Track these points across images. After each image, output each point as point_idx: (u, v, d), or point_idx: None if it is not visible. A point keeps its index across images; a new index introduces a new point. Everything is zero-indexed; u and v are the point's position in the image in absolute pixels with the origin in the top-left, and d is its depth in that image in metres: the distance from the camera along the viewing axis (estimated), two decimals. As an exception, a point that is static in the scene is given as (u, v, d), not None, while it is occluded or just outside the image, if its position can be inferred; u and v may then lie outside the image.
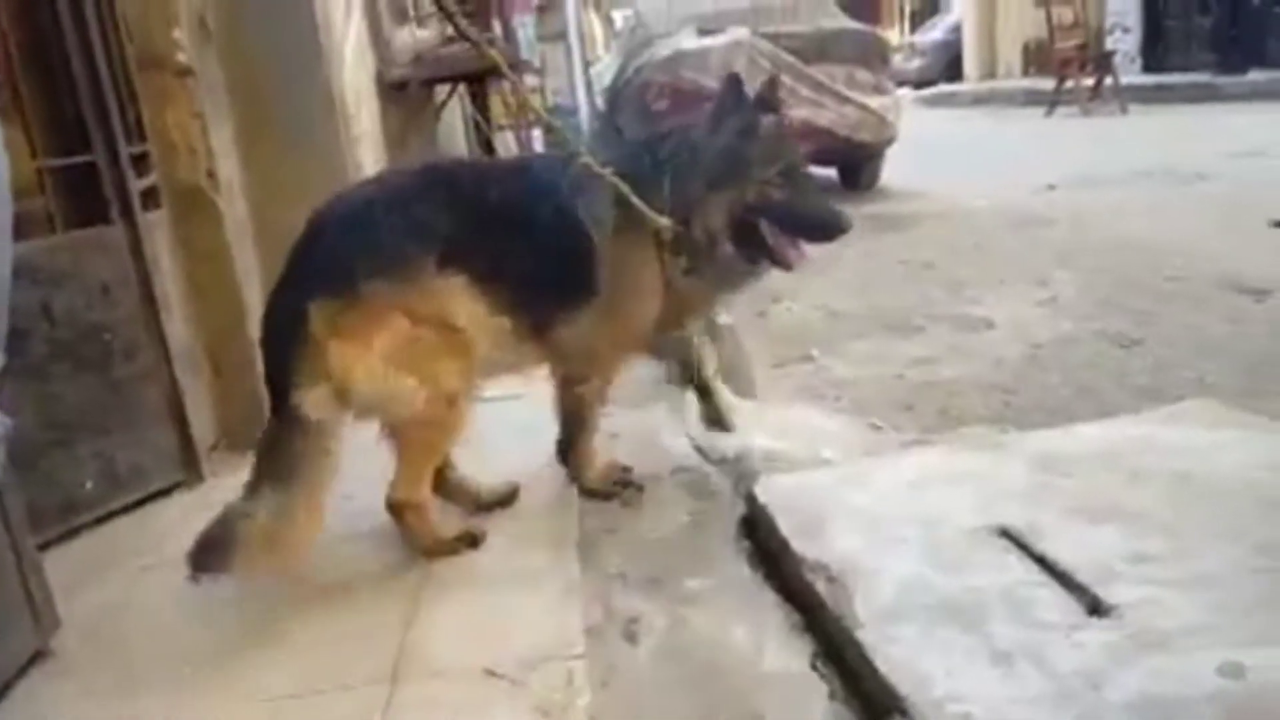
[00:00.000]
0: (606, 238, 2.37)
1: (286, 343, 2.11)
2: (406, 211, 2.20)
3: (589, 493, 2.62)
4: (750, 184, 2.38)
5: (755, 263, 2.50)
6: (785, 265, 2.46)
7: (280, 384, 2.13)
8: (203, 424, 3.02)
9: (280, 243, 3.24)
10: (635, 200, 2.35)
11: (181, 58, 2.86)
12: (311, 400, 2.08)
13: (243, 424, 3.12)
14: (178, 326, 2.93)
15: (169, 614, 2.21)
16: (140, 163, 2.87)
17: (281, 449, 2.11)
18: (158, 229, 2.91)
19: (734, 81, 2.44)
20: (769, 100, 2.48)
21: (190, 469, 2.94)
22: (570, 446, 2.65)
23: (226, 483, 2.91)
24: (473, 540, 2.32)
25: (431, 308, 2.16)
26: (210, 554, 2.03)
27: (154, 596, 2.30)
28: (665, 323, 2.56)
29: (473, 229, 2.23)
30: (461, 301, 2.20)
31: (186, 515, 2.75)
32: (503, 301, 2.27)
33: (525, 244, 2.29)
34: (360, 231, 2.18)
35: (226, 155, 3.09)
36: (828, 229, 2.42)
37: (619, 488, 2.64)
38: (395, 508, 2.30)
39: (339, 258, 2.15)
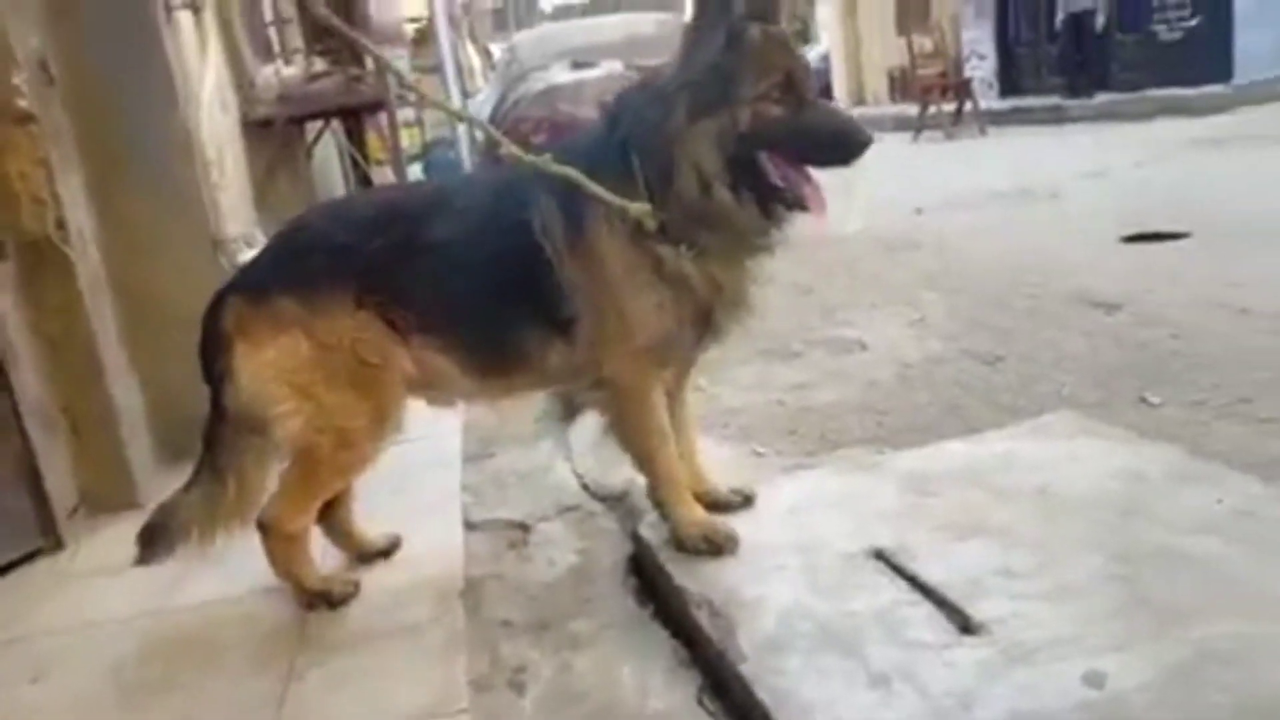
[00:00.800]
0: (563, 249, 2.08)
1: (208, 334, 2.19)
2: (335, 241, 2.15)
3: (679, 544, 2.26)
4: (741, 105, 1.96)
5: (767, 211, 2.08)
6: (800, 204, 2.05)
7: (208, 374, 2.20)
8: (61, 486, 2.86)
9: (139, 292, 3.14)
10: (591, 186, 2.01)
11: (21, 104, 2.72)
12: (227, 392, 2.15)
13: (105, 484, 2.98)
14: (29, 383, 2.77)
15: (30, 691, 2.09)
16: (-18, 214, 2.72)
17: (212, 438, 2.22)
18: (3, 282, 2.75)
19: None
20: (761, 6, 2.02)
21: (48, 535, 2.78)
22: (649, 485, 2.33)
23: (90, 548, 2.78)
24: (330, 601, 2.23)
25: (337, 339, 2.11)
26: (152, 544, 2.21)
27: (13, 672, 2.17)
28: (697, 322, 2.16)
29: (404, 267, 2.11)
30: (378, 339, 2.13)
31: (46, 585, 2.61)
32: (441, 342, 2.17)
33: (468, 281, 2.13)
34: (292, 249, 2.23)
35: (77, 205, 2.94)
36: (842, 146, 2.00)
37: (719, 536, 2.24)
38: (263, 527, 2.22)
39: (267, 265, 2.23)
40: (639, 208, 2.03)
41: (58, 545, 2.79)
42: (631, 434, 2.27)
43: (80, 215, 2.95)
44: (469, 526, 2.67)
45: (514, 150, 2.19)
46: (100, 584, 2.54)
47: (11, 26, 2.73)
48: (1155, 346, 3.63)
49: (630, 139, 2.07)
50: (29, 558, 2.73)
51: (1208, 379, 3.22)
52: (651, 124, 2.03)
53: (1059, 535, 2.11)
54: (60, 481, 2.85)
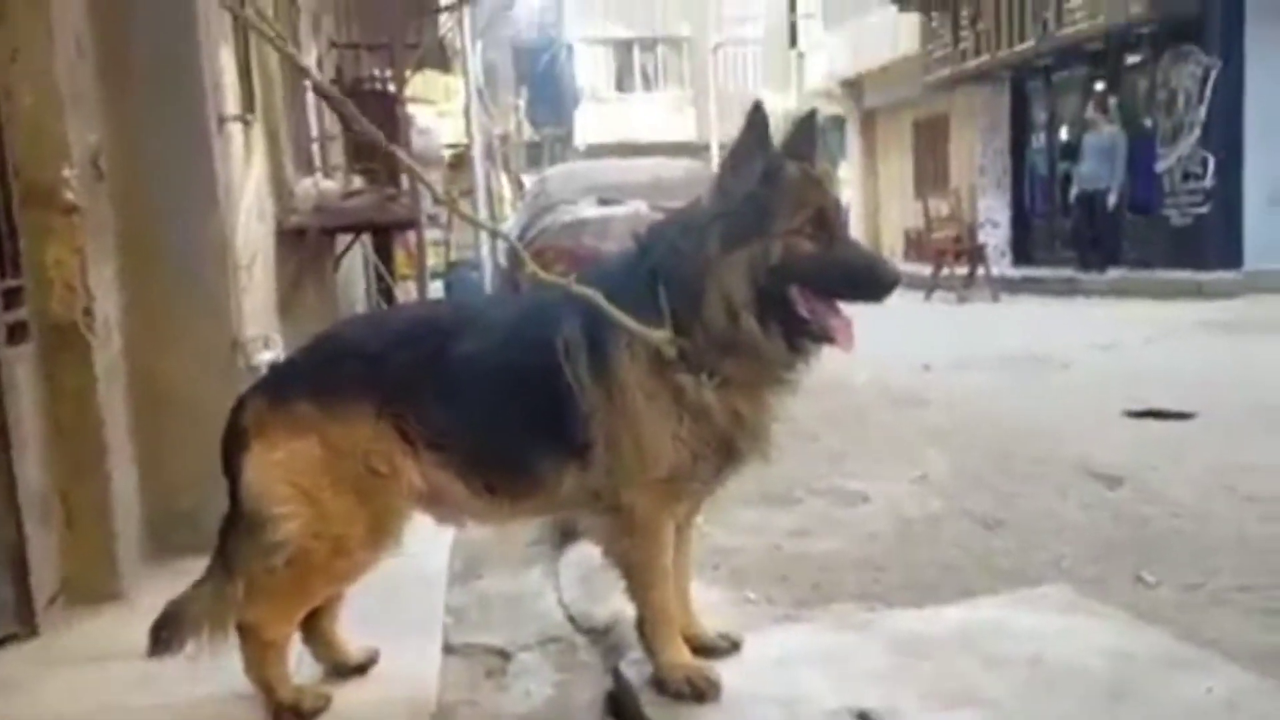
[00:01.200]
0: (585, 374, 2.08)
1: (230, 432, 2.21)
2: (364, 351, 2.19)
3: (660, 685, 2.20)
4: (774, 238, 2.00)
5: (794, 345, 2.10)
6: (827, 335, 2.08)
7: (227, 471, 2.21)
8: (46, 573, 2.83)
9: (153, 384, 3.20)
10: (613, 313, 2.03)
11: (68, 195, 2.84)
12: (240, 490, 2.17)
13: (89, 575, 2.96)
14: (31, 468, 2.78)
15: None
16: (12, 296, 2.79)
17: (227, 535, 2.22)
18: (22, 364, 2.81)
19: (758, 116, 2.04)
20: (799, 145, 2.12)
21: (25, 622, 2.73)
22: (638, 617, 2.27)
23: (66, 638, 2.74)
24: (300, 714, 2.17)
25: (351, 446, 2.11)
26: (165, 635, 2.18)
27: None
28: (717, 452, 2.14)
29: (426, 382, 2.14)
30: (390, 450, 2.13)
31: (16, 673, 2.56)
32: (452, 459, 2.17)
33: (486, 400, 2.14)
34: (322, 356, 2.29)
35: (107, 295, 3.03)
36: (871, 282, 2.05)
37: (702, 682, 2.18)
38: (242, 629, 2.17)
39: (294, 370, 2.31)
40: (660, 335, 2.04)
41: (32, 633, 2.74)
42: (635, 566, 2.23)
43: (109, 305, 3.04)
44: (448, 649, 2.62)
45: (537, 271, 2.24)
46: (71, 676, 2.49)
47: (71, 124, 2.87)
48: (1155, 524, 3.61)
49: (660, 268, 2.11)
50: (2, 643, 2.69)
51: (1207, 562, 3.19)
52: (683, 254, 2.07)
53: (1046, 712, 2.06)
54: (45, 569, 2.83)
